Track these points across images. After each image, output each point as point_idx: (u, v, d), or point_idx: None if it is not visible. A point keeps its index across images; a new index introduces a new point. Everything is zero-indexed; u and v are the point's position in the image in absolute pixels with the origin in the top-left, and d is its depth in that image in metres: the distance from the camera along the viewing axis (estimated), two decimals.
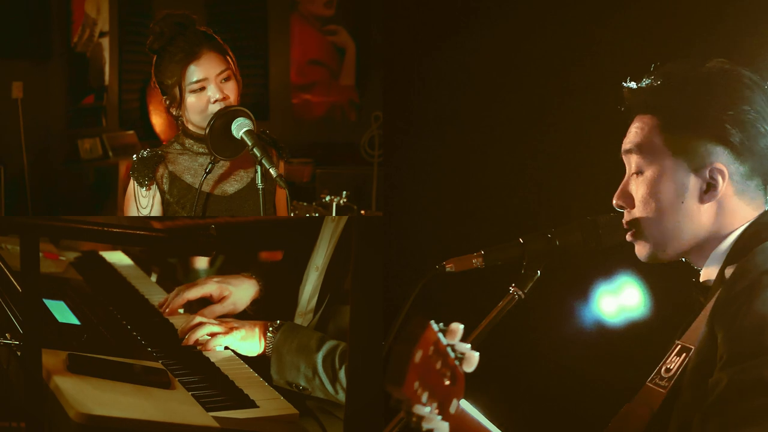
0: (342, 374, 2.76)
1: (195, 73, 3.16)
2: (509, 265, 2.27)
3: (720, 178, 2.18)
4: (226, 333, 2.96)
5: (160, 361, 2.74)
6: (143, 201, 3.25)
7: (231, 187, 3.26)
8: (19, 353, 2.58)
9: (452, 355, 1.75)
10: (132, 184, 3.28)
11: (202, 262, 3.61)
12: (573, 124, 3.59)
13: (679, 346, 2.19)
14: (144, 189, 3.23)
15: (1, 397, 2.62)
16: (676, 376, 2.14)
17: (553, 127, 3.70)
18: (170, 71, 3.18)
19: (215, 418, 2.47)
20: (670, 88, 2.24)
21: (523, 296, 2.24)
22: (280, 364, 2.86)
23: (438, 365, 1.71)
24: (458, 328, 1.77)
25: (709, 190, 2.19)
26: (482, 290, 2.40)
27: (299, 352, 2.85)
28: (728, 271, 2.14)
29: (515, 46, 3.79)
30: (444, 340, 1.73)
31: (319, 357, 2.81)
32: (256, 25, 8.40)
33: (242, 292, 3.24)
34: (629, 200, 2.26)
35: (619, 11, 3.49)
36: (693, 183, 2.20)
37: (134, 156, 3.30)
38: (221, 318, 3.11)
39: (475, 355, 1.77)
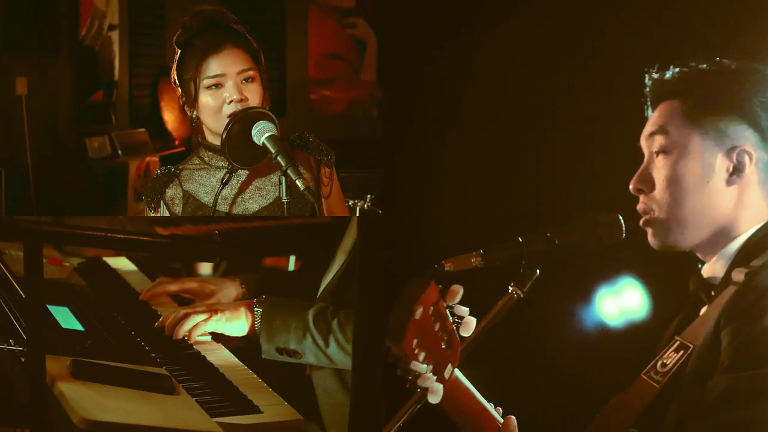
0: (335, 325, 2.80)
1: (212, 66, 3.03)
2: (509, 264, 2.34)
3: (747, 161, 2.33)
4: (208, 319, 2.99)
5: (164, 367, 2.81)
6: None
7: (254, 204, 3.15)
8: (22, 359, 2.65)
9: (451, 318, 1.87)
10: (145, 206, 3.21)
11: (206, 268, 3.59)
12: (574, 123, 3.67)
13: (678, 342, 2.31)
14: (151, 212, 3.16)
15: (5, 403, 2.67)
16: (671, 372, 2.26)
17: (554, 126, 3.78)
18: (189, 65, 3.07)
19: (219, 423, 2.56)
20: (701, 74, 2.40)
21: (522, 296, 2.31)
22: (270, 330, 2.88)
23: (437, 327, 1.83)
24: (459, 289, 1.91)
25: (735, 172, 2.33)
26: (481, 290, 2.39)
27: (290, 314, 2.89)
28: (736, 275, 2.26)
29: (516, 47, 3.87)
30: (444, 302, 1.86)
31: (310, 314, 2.85)
32: (273, 18, 8.38)
33: (225, 290, 3.20)
34: (649, 183, 2.39)
35: (619, 11, 3.58)
36: (720, 163, 2.33)
37: (152, 177, 3.21)
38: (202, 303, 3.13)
39: (473, 320, 1.91)
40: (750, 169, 2.34)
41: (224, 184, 3.06)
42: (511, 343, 2.89)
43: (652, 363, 2.34)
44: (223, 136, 2.96)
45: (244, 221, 3.11)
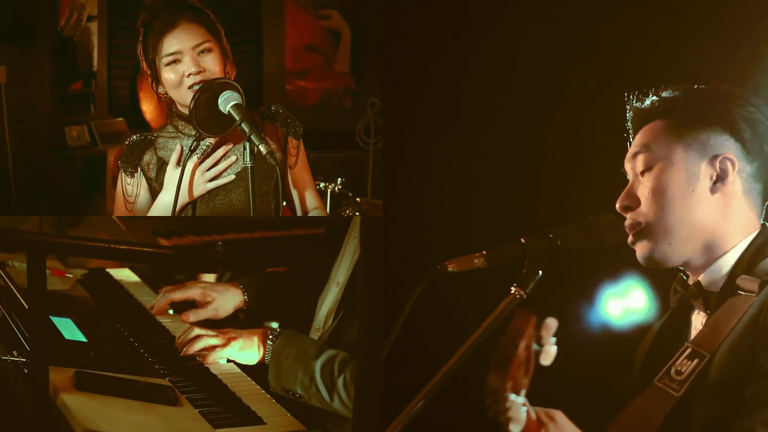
0: (340, 383, 2.80)
1: (169, 44, 3.11)
2: (511, 265, 2.33)
3: (730, 168, 2.33)
4: (224, 345, 2.98)
5: (168, 378, 2.81)
6: (128, 189, 3.22)
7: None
8: (26, 370, 2.63)
9: (534, 346, 1.86)
10: (120, 172, 3.25)
11: (209, 279, 3.55)
12: (575, 124, 3.65)
13: (690, 350, 2.30)
14: (128, 176, 3.22)
15: (9, 414, 2.67)
16: (689, 381, 2.24)
17: (555, 127, 3.76)
18: (150, 45, 3.15)
19: None
20: (681, 95, 2.42)
21: (524, 296, 2.31)
22: (278, 371, 2.89)
23: (524, 356, 1.83)
24: (554, 324, 1.90)
25: (718, 179, 2.34)
26: (484, 290, 2.45)
27: (297, 358, 2.89)
28: (743, 282, 2.27)
29: (517, 44, 3.84)
30: (537, 332, 1.85)
31: (317, 365, 2.85)
32: (250, 10, 8.36)
33: (225, 299, 3.22)
34: (635, 200, 2.38)
35: (620, 12, 3.56)
36: (704, 171, 2.34)
37: (126, 141, 3.28)
38: (209, 325, 3.12)
39: (554, 350, 1.89)
40: (733, 177, 2.35)
41: (192, 151, 3.16)
42: None
43: (664, 370, 2.32)
44: (191, 105, 3.05)
45: (246, 232, 3.12)
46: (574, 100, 3.66)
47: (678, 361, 2.30)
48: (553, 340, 1.89)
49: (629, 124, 2.51)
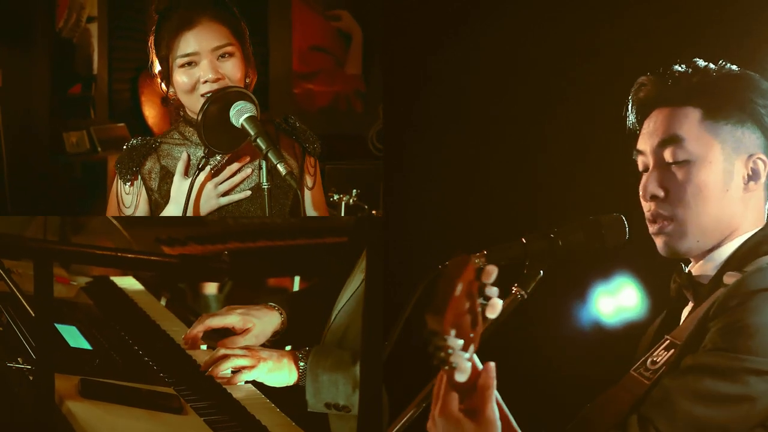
0: None
1: (185, 44, 2.97)
2: (513, 265, 2.40)
3: (762, 167, 2.44)
4: (252, 366, 2.87)
5: (172, 387, 2.86)
6: (126, 199, 3.11)
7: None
8: (31, 377, 2.71)
9: (479, 299, 1.91)
10: (117, 178, 3.14)
11: (211, 288, 3.64)
12: (576, 122, 3.76)
13: (668, 341, 2.40)
14: (127, 185, 3.10)
15: (14, 421, 2.72)
16: (661, 370, 2.34)
17: (556, 125, 3.87)
18: (165, 40, 3.01)
19: None
20: (709, 79, 2.49)
21: (525, 296, 2.40)
22: (317, 386, 2.81)
23: (467, 306, 1.87)
24: (494, 270, 1.94)
25: (750, 179, 2.44)
26: None
27: (335, 368, 2.81)
28: (728, 278, 2.37)
29: (517, 43, 3.95)
30: (478, 281, 1.90)
31: (358, 370, 2.76)
32: (255, 9, 8.34)
33: (265, 324, 3.06)
34: (664, 190, 2.47)
35: (621, 11, 3.67)
36: (738, 171, 2.44)
37: (125, 145, 3.15)
38: (246, 347, 2.97)
39: (500, 303, 1.94)
40: (764, 177, 2.47)
41: (200, 169, 3.01)
42: (510, 342, 2.96)
43: (641, 360, 2.43)
44: (199, 117, 2.90)
45: (249, 241, 3.12)
46: (574, 99, 3.77)
47: (655, 352, 2.41)
48: (496, 290, 1.93)
49: (641, 95, 2.58)
